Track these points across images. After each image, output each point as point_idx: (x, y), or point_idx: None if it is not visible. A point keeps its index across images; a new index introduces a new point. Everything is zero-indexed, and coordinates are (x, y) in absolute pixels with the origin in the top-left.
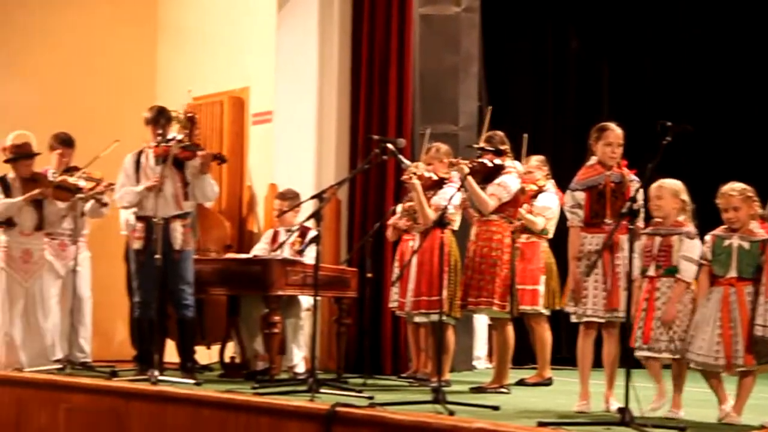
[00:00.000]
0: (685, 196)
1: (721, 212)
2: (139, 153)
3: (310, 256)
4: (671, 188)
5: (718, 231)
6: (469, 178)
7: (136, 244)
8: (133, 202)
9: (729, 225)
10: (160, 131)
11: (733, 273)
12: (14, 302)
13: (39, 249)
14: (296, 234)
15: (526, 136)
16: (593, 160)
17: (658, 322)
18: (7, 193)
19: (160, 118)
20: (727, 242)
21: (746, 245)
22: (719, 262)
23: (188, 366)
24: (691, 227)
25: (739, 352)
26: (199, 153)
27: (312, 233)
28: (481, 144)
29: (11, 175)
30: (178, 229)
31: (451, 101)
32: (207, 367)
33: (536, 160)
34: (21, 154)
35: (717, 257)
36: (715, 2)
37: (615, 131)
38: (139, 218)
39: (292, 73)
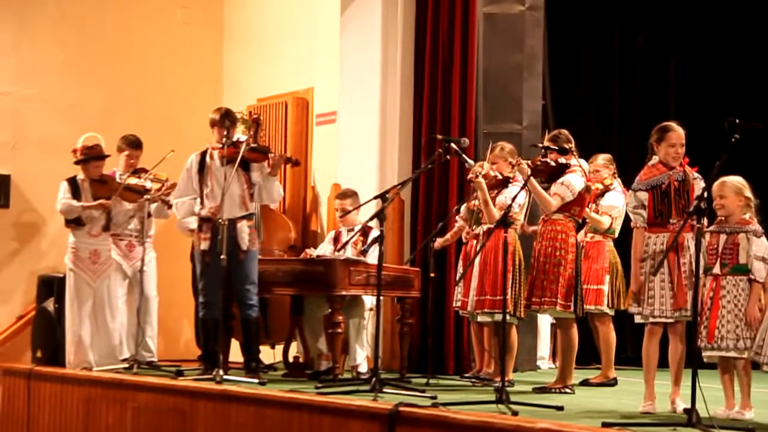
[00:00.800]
0: (748, 193)
1: None
2: (203, 153)
3: (373, 256)
4: (734, 186)
5: None
6: (532, 178)
7: (203, 245)
8: (188, 212)
9: None
10: (225, 132)
11: None
12: (83, 303)
13: (106, 250)
14: (358, 234)
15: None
16: (655, 159)
17: (723, 320)
18: (76, 194)
19: (225, 119)
20: None
21: None
22: None
23: (252, 365)
24: (757, 225)
25: None
26: (271, 156)
27: (375, 233)
28: (546, 143)
29: (81, 176)
30: (244, 229)
31: (515, 100)
32: (271, 367)
33: (603, 158)
34: (91, 155)
35: None
36: None
37: (677, 131)
38: (204, 219)
39: (356, 73)
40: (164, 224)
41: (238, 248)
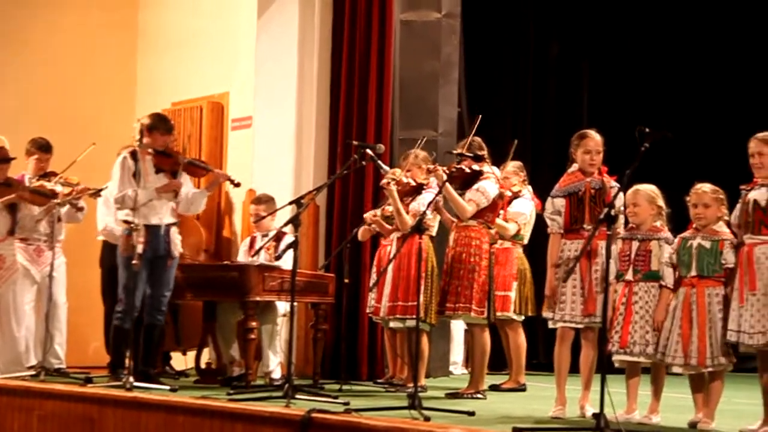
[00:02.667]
0: (660, 202)
1: (690, 208)
2: (134, 154)
3: (287, 262)
4: (647, 194)
5: (685, 233)
6: (447, 184)
7: (138, 248)
8: (130, 206)
9: (696, 221)
10: (164, 140)
11: (693, 272)
12: None
13: (11, 254)
14: (273, 239)
15: (516, 141)
16: (574, 167)
17: (636, 325)
18: None
19: (160, 125)
20: (690, 242)
21: (707, 244)
22: (683, 262)
23: (151, 372)
24: (668, 233)
25: (693, 352)
26: (215, 172)
27: (289, 238)
28: (460, 150)
29: None
30: (177, 236)
31: (431, 107)
32: (183, 373)
33: (513, 166)
34: None
35: (681, 258)
36: (695, 8)
37: (594, 138)
38: (126, 222)
39: (272, 78)
40: (74, 229)
41: (169, 254)
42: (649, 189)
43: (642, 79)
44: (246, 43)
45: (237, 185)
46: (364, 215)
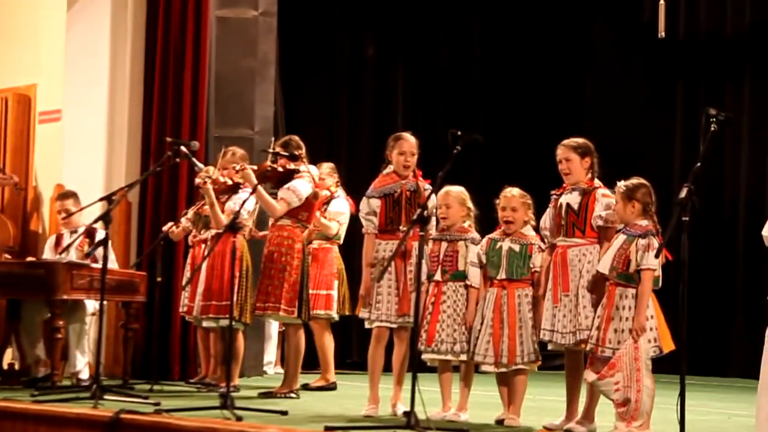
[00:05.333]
0: (470, 204)
1: (498, 211)
2: None
3: (98, 259)
4: (458, 196)
5: (493, 234)
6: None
7: None
8: None
9: (504, 224)
10: None
11: (503, 275)
12: None
13: None
14: (83, 236)
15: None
16: (389, 168)
17: (443, 324)
18: None
19: None
20: (499, 245)
21: (516, 248)
22: (492, 263)
23: None
24: (475, 233)
25: (504, 352)
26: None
27: (99, 235)
28: (276, 149)
29: None
30: None
31: (247, 105)
32: None
33: (326, 167)
34: None
35: (490, 259)
36: (510, 13)
37: (408, 141)
38: None
39: (83, 71)
40: None
41: None
42: (460, 191)
43: (456, 83)
44: (55, 35)
45: (20, 190)
46: (181, 218)
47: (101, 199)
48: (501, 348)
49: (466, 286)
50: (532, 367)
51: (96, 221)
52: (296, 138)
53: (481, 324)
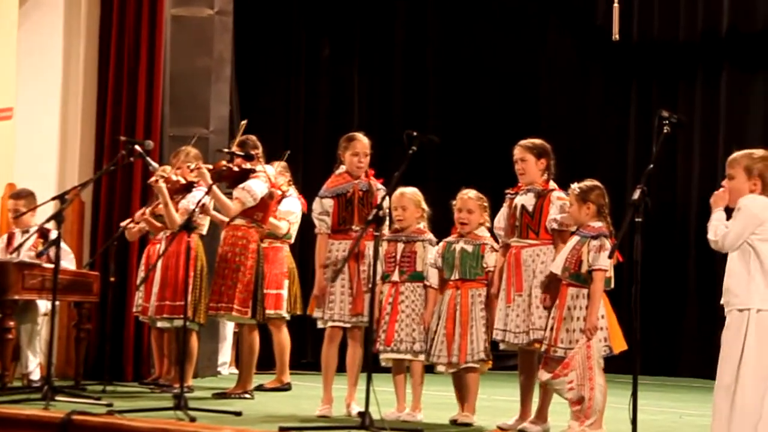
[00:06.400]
0: (424, 205)
1: (455, 212)
2: None
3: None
4: (413, 198)
5: (449, 237)
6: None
7: None
8: None
9: (460, 226)
10: None
11: (457, 275)
12: None
13: None
14: (36, 236)
15: (288, 152)
16: (342, 168)
17: (402, 323)
18: None
19: None
20: (453, 246)
21: (469, 248)
22: (447, 265)
23: None
24: (431, 234)
25: (455, 351)
26: None
27: (52, 235)
28: (233, 148)
29: None
30: None
31: (202, 104)
32: None
33: (279, 165)
34: None
35: (446, 261)
36: (463, 16)
37: (361, 141)
38: None
39: (35, 69)
40: None
41: None
42: (414, 192)
43: (412, 84)
44: (6, 32)
45: None
46: (135, 215)
47: (54, 198)
48: (453, 347)
49: (425, 287)
50: (483, 367)
51: (48, 220)
52: (253, 138)
53: (437, 325)
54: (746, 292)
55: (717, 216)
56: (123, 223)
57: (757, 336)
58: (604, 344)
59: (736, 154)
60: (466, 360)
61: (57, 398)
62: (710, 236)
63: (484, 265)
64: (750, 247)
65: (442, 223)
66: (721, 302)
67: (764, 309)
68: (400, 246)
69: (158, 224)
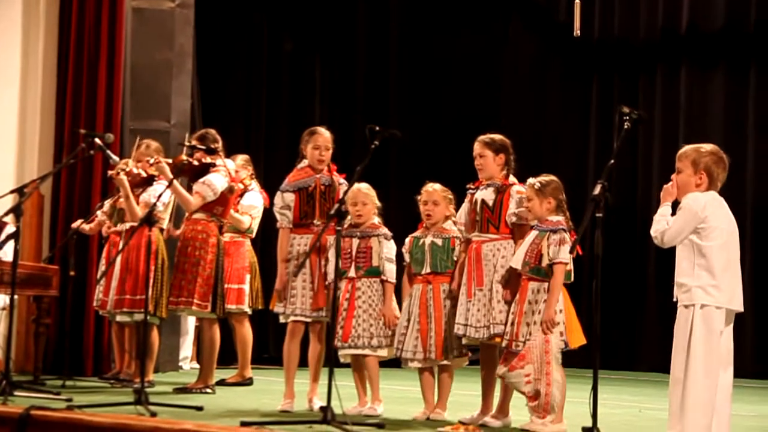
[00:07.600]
0: (377, 200)
1: (420, 206)
2: None
3: (7, 253)
4: (370, 193)
5: (416, 233)
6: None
7: None
8: None
9: (426, 218)
10: None
11: (428, 269)
12: None
13: None
14: None
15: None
16: (304, 162)
17: (359, 319)
18: None
19: None
20: (421, 241)
21: (439, 241)
22: (416, 260)
23: None
24: (386, 229)
25: (432, 347)
26: None
27: (10, 229)
28: (193, 142)
29: None
30: None
31: (163, 97)
32: None
33: (241, 159)
34: None
35: (414, 257)
36: (424, 11)
37: (323, 135)
38: None
39: None
40: None
41: None
42: (369, 187)
43: (374, 78)
44: None
45: None
46: (96, 211)
47: (12, 192)
48: (429, 343)
49: (382, 282)
50: (461, 362)
51: (6, 214)
52: (213, 131)
53: (408, 321)
54: (691, 287)
55: (662, 211)
56: (74, 225)
57: (703, 330)
58: (561, 338)
59: (685, 148)
60: (442, 357)
61: (15, 393)
62: (651, 231)
63: (455, 258)
64: (692, 244)
65: (403, 217)
66: (674, 298)
67: (708, 304)
68: (356, 242)
69: (105, 220)
